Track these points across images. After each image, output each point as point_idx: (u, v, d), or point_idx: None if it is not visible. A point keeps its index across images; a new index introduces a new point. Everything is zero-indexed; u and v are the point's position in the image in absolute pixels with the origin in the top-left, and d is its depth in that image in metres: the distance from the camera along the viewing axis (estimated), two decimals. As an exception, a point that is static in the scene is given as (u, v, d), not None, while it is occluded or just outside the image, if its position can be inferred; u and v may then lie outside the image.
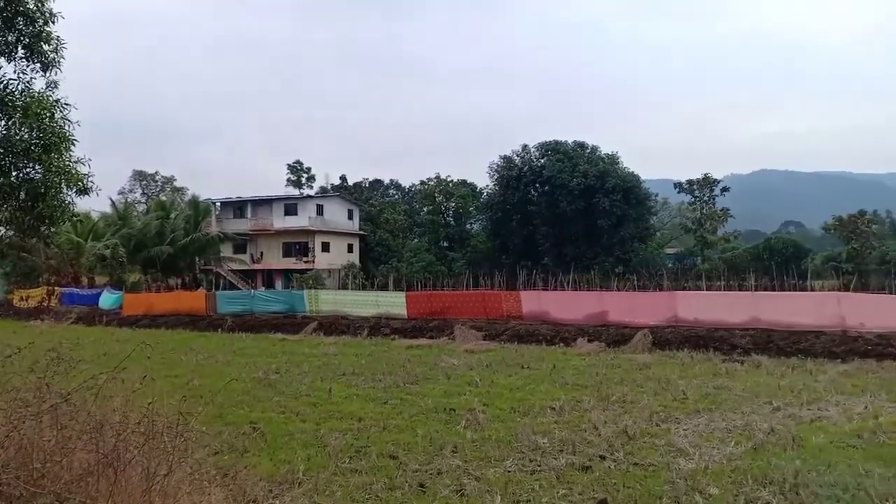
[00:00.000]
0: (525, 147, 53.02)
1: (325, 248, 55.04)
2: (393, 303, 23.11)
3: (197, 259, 49.52)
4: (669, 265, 51.32)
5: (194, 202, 53.05)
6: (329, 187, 67.43)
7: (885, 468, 6.58)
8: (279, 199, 57.31)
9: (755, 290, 19.27)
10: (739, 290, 21.25)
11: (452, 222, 61.72)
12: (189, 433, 5.05)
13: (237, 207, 57.81)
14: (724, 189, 53.81)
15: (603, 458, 7.12)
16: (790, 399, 10.18)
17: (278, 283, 52.08)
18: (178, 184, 77.90)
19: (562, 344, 17.44)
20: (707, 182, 53.02)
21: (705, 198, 53.20)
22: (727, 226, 54.89)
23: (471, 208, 61.45)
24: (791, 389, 10.96)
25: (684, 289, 22.33)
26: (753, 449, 7.41)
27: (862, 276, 32.01)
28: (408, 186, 76.48)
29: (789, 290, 19.74)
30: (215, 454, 7.34)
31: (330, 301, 25.12)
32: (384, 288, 29.27)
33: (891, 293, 18.41)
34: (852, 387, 11.22)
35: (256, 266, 54.74)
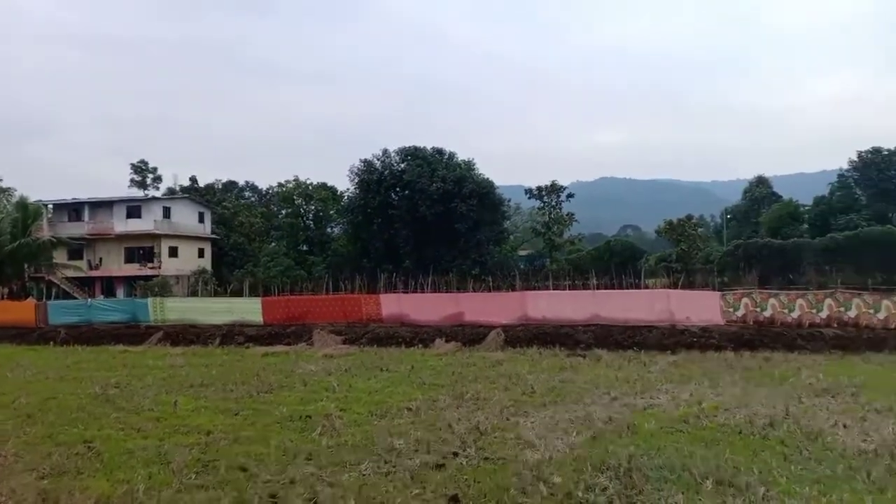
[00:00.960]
0: (385, 151, 53.28)
1: (173, 252, 52.07)
2: (248, 309, 22.27)
3: (26, 266, 44.88)
4: (522, 266, 53.77)
5: (23, 204, 47.98)
6: (178, 189, 63.83)
7: (706, 449, 7.29)
8: (121, 200, 53.48)
9: (596, 289, 20.65)
10: (583, 289, 22.67)
11: (312, 226, 60.60)
12: (4, 457, 4.57)
13: (73, 210, 53.18)
14: (570, 195, 57.27)
15: (456, 455, 7.31)
16: (626, 389, 11.00)
17: (120, 292, 48.59)
18: (3, 184, 70.03)
19: (420, 345, 17.67)
20: (554, 189, 56.17)
21: (553, 203, 56.34)
22: (573, 229, 58.45)
23: (331, 211, 60.70)
24: (627, 380, 11.86)
25: (534, 289, 23.41)
26: (593, 437, 7.93)
27: (689, 275, 35.24)
28: (265, 189, 74.10)
29: (627, 289, 21.34)
30: (42, 478, 6.71)
31: (178, 309, 23.74)
32: (238, 294, 28.09)
33: (713, 290, 20.44)
34: (680, 376, 12.32)
35: (95, 273, 50.67)
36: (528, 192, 58.20)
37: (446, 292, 23.54)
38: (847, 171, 71.89)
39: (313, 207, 59.98)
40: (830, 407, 9.32)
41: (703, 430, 8.26)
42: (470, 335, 17.94)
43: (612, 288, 22.26)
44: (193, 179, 65.95)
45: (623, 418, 8.78)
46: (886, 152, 69.21)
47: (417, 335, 18.37)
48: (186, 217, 54.73)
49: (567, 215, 56.35)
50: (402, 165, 51.56)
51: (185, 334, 20.97)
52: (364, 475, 6.76)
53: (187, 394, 11.80)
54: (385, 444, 7.78)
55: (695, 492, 5.95)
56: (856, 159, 71.15)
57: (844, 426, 8.13)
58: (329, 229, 62.12)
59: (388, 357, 15.95)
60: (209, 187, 66.32)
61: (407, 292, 23.52)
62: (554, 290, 23.23)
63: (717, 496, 5.83)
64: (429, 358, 15.68)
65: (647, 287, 23.77)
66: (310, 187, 60.42)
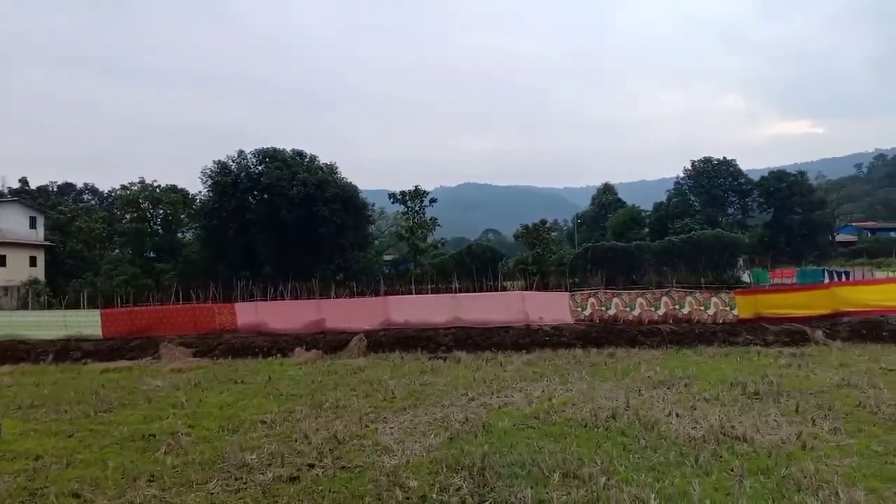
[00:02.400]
0: (241, 153, 51.21)
1: (1, 262, 46.95)
2: (85, 322, 20.47)
3: None
4: (386, 271, 53.81)
5: None
6: (6, 191, 57.60)
7: (554, 444, 7.63)
8: (-64, 204, 47.51)
9: (457, 292, 21.06)
10: (445, 292, 23.04)
11: (161, 231, 56.94)
12: None
13: None
14: (433, 200, 58.29)
15: (312, 466, 7.14)
16: (483, 389, 11.29)
17: (-67, 306, 42.91)
18: None
19: (279, 355, 17.09)
20: (418, 194, 56.95)
21: (416, 208, 57.03)
22: (436, 234, 59.53)
23: (182, 216, 57.41)
24: (484, 380, 12.17)
25: (397, 293, 23.49)
26: (450, 438, 8.06)
27: (544, 277, 37.04)
28: (107, 192, 68.71)
29: (487, 291, 21.97)
30: None
31: (4, 324, 21.38)
32: (76, 306, 25.75)
33: (564, 291, 21.52)
34: (533, 374, 12.83)
35: None
36: (392, 196, 58.52)
37: (307, 299, 22.94)
38: (682, 179, 79.19)
39: (162, 211, 56.37)
40: (666, 398, 10.09)
41: (553, 425, 8.64)
42: (332, 342, 17.63)
43: (474, 291, 22.83)
44: (24, 181, 59.98)
45: (479, 418, 8.99)
46: (716, 162, 77.05)
47: (276, 344, 17.77)
48: (15, 222, 49.54)
49: (430, 220, 57.25)
50: (260, 168, 49.87)
51: (13, 351, 18.87)
52: (212, 494, 6.44)
53: (14, 416, 10.65)
54: (236, 459, 7.44)
55: (543, 485, 6.21)
56: (690, 168, 78.55)
57: (677, 415, 8.83)
58: (180, 235, 58.74)
59: (243, 369, 15.29)
60: (42, 190, 60.56)
61: (265, 300, 22.71)
62: (417, 294, 23.43)
63: (562, 488, 6.12)
64: (288, 368, 15.21)
65: (504, 289, 24.62)
66: (158, 190, 56.73)
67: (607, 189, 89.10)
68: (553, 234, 57.05)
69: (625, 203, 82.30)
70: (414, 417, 9.30)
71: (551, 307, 18.56)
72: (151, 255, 55.74)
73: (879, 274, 28.07)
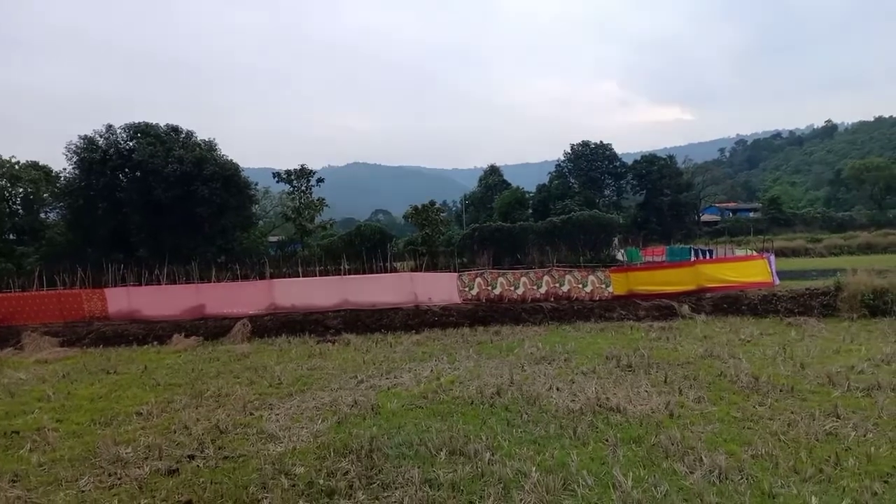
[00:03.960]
0: (110, 127, 47.63)
1: None
2: (-69, 312, 18.51)
3: None
4: (272, 253, 52.26)
5: None
6: None
7: (441, 422, 7.78)
8: None
9: (347, 274, 20.82)
10: (335, 274, 22.71)
11: (21, 211, 52.17)
12: None
13: None
14: (320, 180, 57.11)
15: (192, 457, 6.89)
16: (372, 371, 11.32)
17: None
18: None
19: (156, 342, 16.31)
20: (304, 173, 55.59)
21: (303, 188, 55.70)
22: (324, 214, 58.40)
23: (45, 195, 52.82)
24: (373, 362, 12.20)
25: (284, 276, 22.87)
26: (338, 423, 8.02)
27: (433, 257, 37.26)
28: (-45, 168, 61.91)
29: (377, 273, 21.84)
30: None
31: None
32: (-80, 294, 23.12)
33: (452, 271, 21.81)
34: (422, 354, 12.99)
35: None
36: (277, 175, 56.79)
37: (186, 283, 21.87)
38: (563, 162, 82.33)
39: (22, 190, 51.62)
40: (547, 373, 10.53)
41: (441, 403, 8.80)
42: (213, 328, 17.01)
43: (364, 272, 22.62)
44: None
45: (368, 400, 8.99)
46: (594, 146, 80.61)
47: (152, 331, 16.91)
48: None
49: (318, 200, 56.08)
50: (131, 144, 46.68)
51: None
52: (83, 492, 6.09)
53: None
54: (109, 454, 7.05)
55: (430, 464, 6.33)
56: (569, 152, 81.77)
57: (557, 389, 9.25)
58: (43, 215, 54.11)
59: (116, 358, 14.44)
60: None
61: (140, 285, 21.39)
62: (304, 276, 22.96)
63: (449, 466, 6.26)
64: (166, 356, 14.52)
65: (395, 270, 24.62)
66: (17, 167, 51.84)
67: (493, 171, 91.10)
68: (442, 214, 57.60)
69: (510, 185, 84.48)
70: (301, 403, 9.17)
71: (440, 287, 18.80)
72: (11, 237, 51.02)
73: (739, 252, 30.47)
